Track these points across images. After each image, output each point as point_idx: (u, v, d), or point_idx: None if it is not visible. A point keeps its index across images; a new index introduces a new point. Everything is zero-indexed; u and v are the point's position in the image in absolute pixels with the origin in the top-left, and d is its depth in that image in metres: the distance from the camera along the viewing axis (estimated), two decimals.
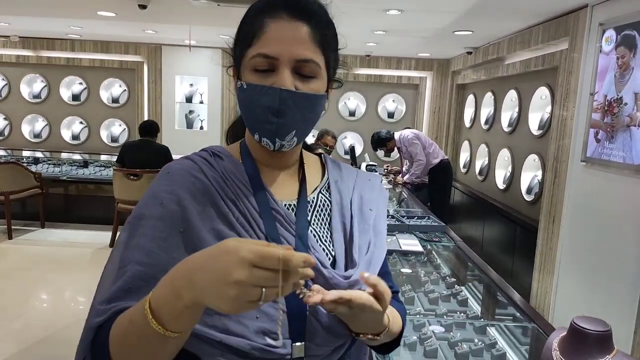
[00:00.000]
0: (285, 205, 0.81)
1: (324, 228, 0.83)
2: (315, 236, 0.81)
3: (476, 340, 1.54)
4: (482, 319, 1.75)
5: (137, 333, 0.61)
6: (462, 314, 1.77)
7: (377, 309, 0.69)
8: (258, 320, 0.70)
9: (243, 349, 0.68)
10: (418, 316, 1.75)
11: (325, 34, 0.77)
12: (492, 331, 1.68)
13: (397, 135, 5.11)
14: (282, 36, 0.73)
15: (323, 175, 0.90)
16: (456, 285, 2.03)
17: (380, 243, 0.86)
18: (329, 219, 0.85)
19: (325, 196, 0.87)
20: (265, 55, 0.73)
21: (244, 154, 0.83)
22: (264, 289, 0.53)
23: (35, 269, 4.19)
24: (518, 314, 1.74)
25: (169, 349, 0.62)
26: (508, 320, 1.77)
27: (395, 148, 5.16)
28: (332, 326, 0.75)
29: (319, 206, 0.85)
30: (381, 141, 5.14)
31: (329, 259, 0.80)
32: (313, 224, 0.83)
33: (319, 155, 0.94)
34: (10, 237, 4.90)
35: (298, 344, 0.73)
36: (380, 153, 6.69)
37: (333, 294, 0.66)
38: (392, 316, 0.79)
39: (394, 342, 0.85)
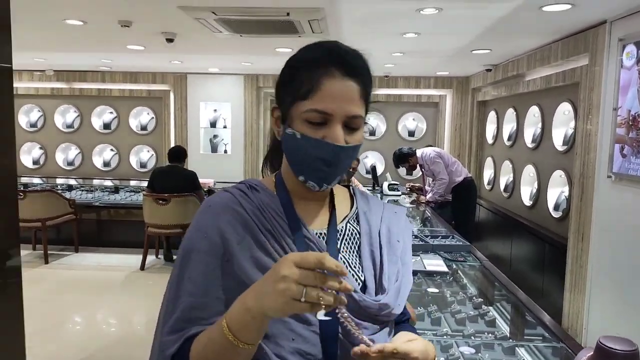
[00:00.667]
0: (316, 233, 0.87)
1: (353, 256, 0.89)
2: (345, 263, 0.87)
3: None
4: (510, 340, 1.74)
5: (215, 346, 0.72)
6: (490, 335, 1.76)
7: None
8: (294, 342, 0.77)
9: None
10: (445, 337, 1.76)
11: (369, 89, 0.85)
12: (521, 352, 1.67)
13: (419, 152, 5.09)
14: (336, 94, 0.79)
15: (352, 206, 0.96)
16: (483, 306, 2.02)
17: (407, 274, 0.92)
18: (357, 247, 0.90)
19: (353, 226, 0.93)
20: (320, 112, 0.79)
21: (279, 187, 0.90)
22: (305, 289, 0.62)
23: (70, 293, 4.34)
24: (547, 334, 1.73)
25: (247, 355, 0.71)
26: (537, 340, 1.75)
27: (418, 166, 5.15)
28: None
29: (348, 235, 0.91)
30: (403, 157, 5.12)
31: (359, 284, 0.86)
32: (342, 252, 0.88)
33: (348, 187, 1.00)
34: (46, 262, 5.09)
35: None
36: (402, 171, 6.72)
37: (392, 346, 0.73)
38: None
39: None
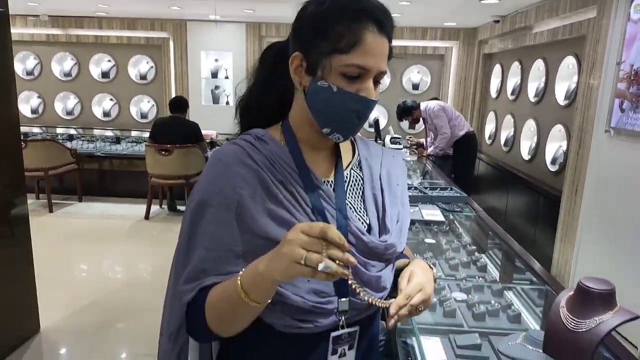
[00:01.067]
0: (324, 181, 0.91)
1: (358, 200, 0.94)
2: (351, 208, 0.92)
3: (493, 302, 1.64)
4: (499, 283, 1.84)
5: (228, 300, 0.78)
6: (480, 279, 1.87)
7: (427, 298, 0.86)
8: (309, 283, 0.84)
9: (298, 305, 0.82)
10: (439, 280, 1.86)
11: (391, 47, 0.87)
12: (509, 294, 1.77)
13: (422, 105, 5.07)
14: (375, 51, 0.81)
15: (354, 153, 1.01)
16: (476, 253, 2.11)
17: (406, 214, 0.99)
18: (361, 192, 0.95)
19: (357, 172, 0.97)
20: (361, 67, 0.81)
21: (288, 137, 0.92)
22: (307, 253, 0.67)
23: (76, 241, 4.47)
24: (534, 278, 1.83)
25: (250, 314, 0.79)
26: (525, 284, 1.86)
27: (421, 119, 5.15)
28: (370, 281, 0.88)
29: (352, 181, 0.96)
30: (407, 110, 5.10)
31: (365, 226, 0.92)
32: (348, 198, 0.93)
33: None
34: (51, 211, 5.20)
35: (343, 299, 0.86)
36: (405, 125, 6.70)
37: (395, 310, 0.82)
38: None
39: None
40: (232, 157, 0.87)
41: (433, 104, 5.07)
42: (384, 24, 0.83)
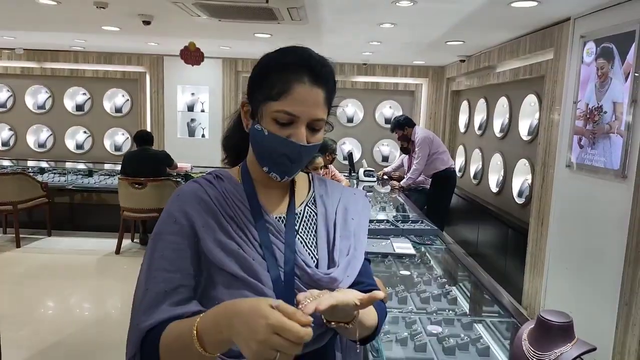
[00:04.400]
0: (276, 217, 0.97)
1: (310, 236, 0.99)
2: (302, 242, 0.97)
3: (463, 335, 1.68)
4: (469, 316, 1.89)
5: (183, 347, 0.79)
6: (451, 312, 1.91)
7: (352, 304, 0.79)
8: None
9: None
10: (410, 314, 1.89)
11: (332, 96, 0.95)
12: (478, 327, 1.82)
13: (417, 128, 5.03)
14: (304, 100, 0.89)
15: (309, 191, 1.06)
16: (447, 286, 2.16)
17: (359, 247, 1.01)
18: (314, 228, 1.00)
19: (311, 208, 1.03)
20: (289, 113, 0.89)
21: (244, 176, 1.00)
22: (278, 353, 0.67)
23: (43, 277, 4.32)
24: (502, 311, 1.88)
25: None
26: (494, 316, 1.91)
27: (410, 140, 5.02)
28: (314, 314, 0.84)
29: (306, 217, 1.01)
30: (399, 124, 5.01)
31: (314, 261, 0.96)
32: (301, 232, 0.98)
33: (307, 173, 1.11)
34: (18, 246, 5.03)
35: None
36: (378, 158, 6.85)
37: (325, 303, 0.74)
38: (366, 310, 0.88)
39: (372, 334, 0.98)
40: (189, 192, 0.95)
41: (424, 132, 5.02)
42: (319, 75, 0.91)
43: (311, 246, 0.98)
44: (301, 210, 1.01)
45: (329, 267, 0.96)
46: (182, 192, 0.96)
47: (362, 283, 1.01)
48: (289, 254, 0.93)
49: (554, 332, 1.13)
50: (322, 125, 0.94)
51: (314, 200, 1.04)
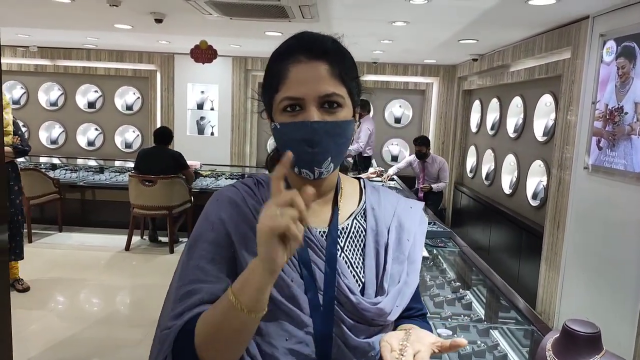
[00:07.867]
0: (318, 231, 0.86)
1: (357, 254, 0.88)
2: (347, 262, 0.86)
3: (479, 342, 1.63)
4: (485, 322, 1.84)
5: (220, 312, 0.73)
6: (466, 317, 1.86)
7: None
8: (287, 342, 0.80)
9: None
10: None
11: (342, 67, 0.83)
12: (495, 334, 1.78)
13: (433, 152, 5.55)
14: (303, 78, 0.80)
15: (360, 201, 0.93)
16: (461, 290, 2.12)
17: (413, 272, 0.90)
18: (362, 245, 0.88)
19: (360, 222, 0.90)
20: (292, 98, 0.80)
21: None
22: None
23: (54, 272, 4.34)
24: (519, 317, 1.84)
25: (240, 326, 0.72)
26: (510, 323, 1.86)
27: (425, 158, 5.35)
28: (358, 347, 0.82)
29: (354, 232, 0.89)
30: (428, 142, 5.39)
31: (359, 285, 0.85)
32: (346, 250, 0.87)
33: (359, 179, 0.99)
34: (30, 241, 5.06)
35: None
36: (387, 157, 6.81)
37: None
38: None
39: None
40: (228, 199, 0.87)
41: (442, 158, 5.58)
42: (317, 49, 0.82)
43: (357, 267, 0.86)
44: (348, 224, 0.89)
45: (376, 295, 0.85)
46: (221, 197, 0.88)
47: (412, 309, 0.93)
48: (330, 273, 0.83)
49: (581, 343, 1.08)
50: (341, 101, 0.82)
51: (364, 213, 0.91)
